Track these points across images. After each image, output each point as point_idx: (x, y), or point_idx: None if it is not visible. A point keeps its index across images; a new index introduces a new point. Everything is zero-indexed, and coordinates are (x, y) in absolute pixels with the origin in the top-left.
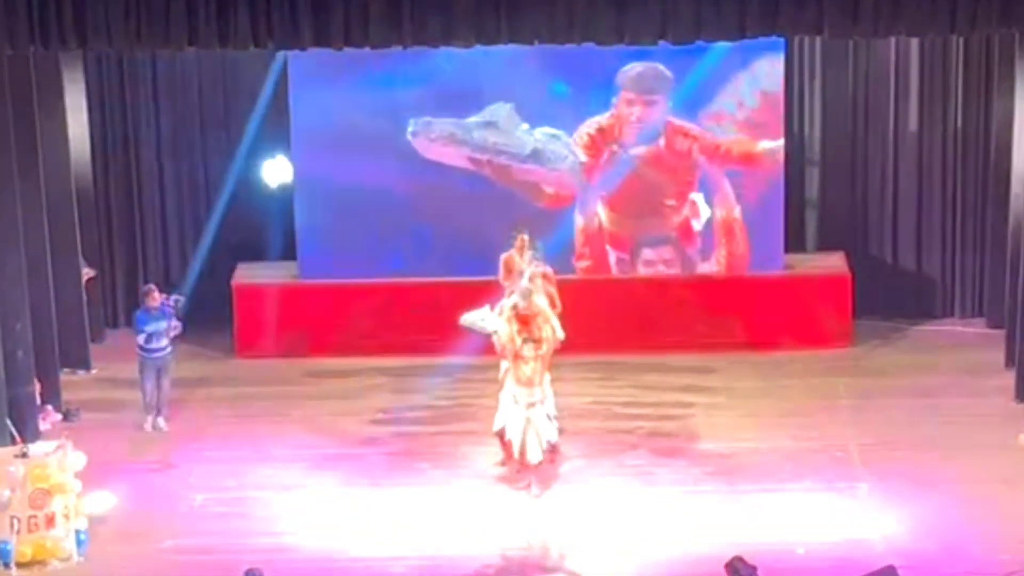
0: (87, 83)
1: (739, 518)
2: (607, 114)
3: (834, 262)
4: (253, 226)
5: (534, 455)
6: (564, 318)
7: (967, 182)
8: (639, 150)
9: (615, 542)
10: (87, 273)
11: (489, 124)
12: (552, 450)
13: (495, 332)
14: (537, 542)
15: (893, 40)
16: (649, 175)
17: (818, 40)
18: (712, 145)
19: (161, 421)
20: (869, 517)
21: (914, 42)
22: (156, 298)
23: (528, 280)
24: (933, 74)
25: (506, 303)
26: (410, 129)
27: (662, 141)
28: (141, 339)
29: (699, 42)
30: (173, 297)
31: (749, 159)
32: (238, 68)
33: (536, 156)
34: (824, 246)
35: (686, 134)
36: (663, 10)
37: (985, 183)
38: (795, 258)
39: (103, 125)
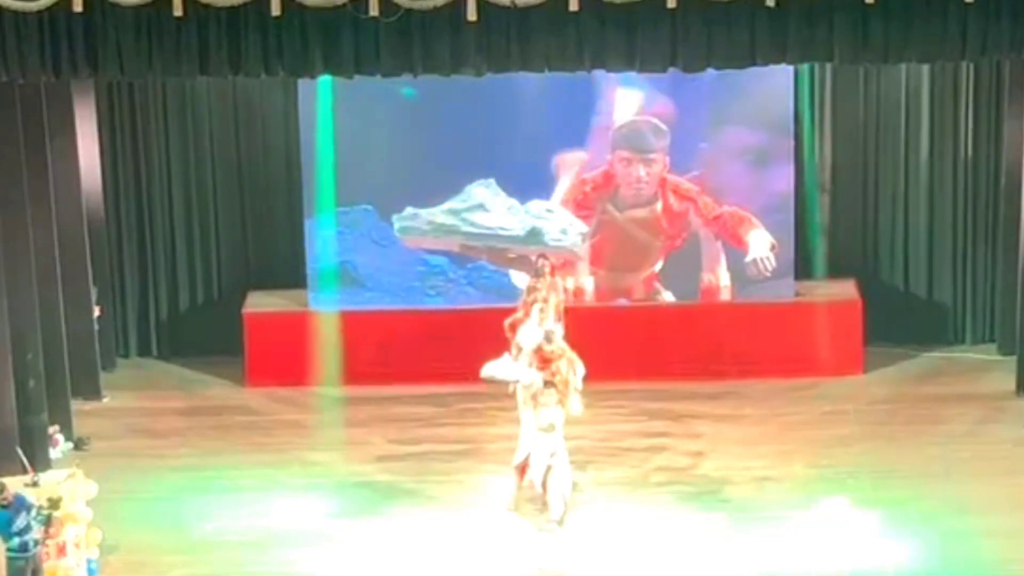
0: (98, 113)
1: (751, 546)
2: (600, 171)
3: (845, 289)
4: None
5: (556, 511)
6: (572, 345)
7: (978, 208)
8: (634, 212)
9: (628, 572)
10: (96, 309)
11: (478, 207)
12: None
13: (517, 380)
14: (551, 573)
15: (904, 66)
16: (638, 235)
17: (828, 67)
18: (710, 211)
19: None
20: (880, 545)
21: (924, 68)
22: (7, 493)
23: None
24: (944, 100)
25: (525, 344)
26: (397, 227)
27: (659, 204)
28: (15, 543)
29: (709, 69)
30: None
31: (739, 241)
32: (249, 96)
33: (535, 235)
34: (835, 273)
35: (683, 195)
36: (673, 37)
37: (996, 209)
38: (806, 285)
39: (114, 155)
